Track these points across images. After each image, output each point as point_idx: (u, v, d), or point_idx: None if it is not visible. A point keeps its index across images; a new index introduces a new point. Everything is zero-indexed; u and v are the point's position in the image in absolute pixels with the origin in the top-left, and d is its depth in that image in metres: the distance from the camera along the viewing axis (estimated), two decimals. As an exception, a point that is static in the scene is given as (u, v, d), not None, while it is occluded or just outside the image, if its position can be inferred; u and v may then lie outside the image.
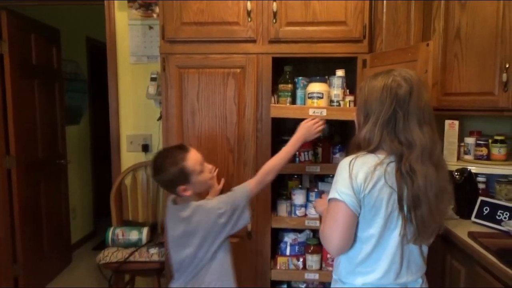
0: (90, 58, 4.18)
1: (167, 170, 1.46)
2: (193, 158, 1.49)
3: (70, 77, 3.79)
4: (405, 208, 1.13)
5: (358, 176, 1.11)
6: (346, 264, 1.22)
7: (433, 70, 1.70)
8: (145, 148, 2.64)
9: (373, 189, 1.11)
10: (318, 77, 1.90)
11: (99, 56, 3.58)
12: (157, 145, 2.63)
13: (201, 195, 1.58)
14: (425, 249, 1.25)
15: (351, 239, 1.17)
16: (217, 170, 1.87)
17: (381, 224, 1.14)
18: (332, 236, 1.15)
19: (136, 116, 2.67)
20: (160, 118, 2.56)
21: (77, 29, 3.84)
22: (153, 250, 2.28)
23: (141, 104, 2.64)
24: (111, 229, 2.37)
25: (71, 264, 3.48)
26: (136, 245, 2.32)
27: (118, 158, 2.67)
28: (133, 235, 2.34)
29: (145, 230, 2.35)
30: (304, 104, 1.90)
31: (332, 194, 1.15)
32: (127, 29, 2.60)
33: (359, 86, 1.25)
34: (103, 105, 3.40)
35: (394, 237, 1.15)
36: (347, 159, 1.16)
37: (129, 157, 2.66)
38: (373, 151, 1.15)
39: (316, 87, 1.87)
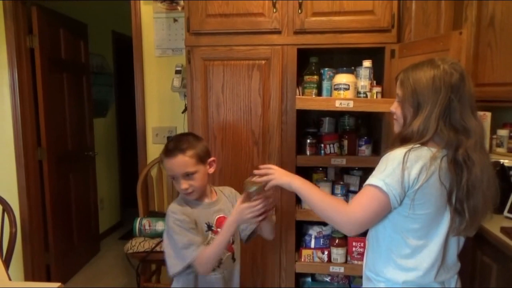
0: (115, 51, 4.25)
1: (201, 141, 1.45)
2: (167, 165, 1.42)
3: (96, 71, 3.87)
4: (453, 200, 1.11)
5: (412, 170, 1.08)
6: (386, 259, 1.19)
7: (465, 60, 1.64)
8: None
9: (425, 184, 1.08)
10: (344, 68, 1.87)
11: (124, 49, 3.65)
12: (182, 137, 2.65)
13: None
14: (461, 243, 1.22)
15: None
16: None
17: (429, 218, 1.13)
18: (359, 220, 1.13)
19: (161, 109, 2.70)
20: (184, 111, 2.59)
21: (103, 23, 3.91)
22: (179, 241, 2.31)
23: (166, 97, 2.67)
24: (138, 219, 2.42)
25: (99, 253, 3.59)
26: (162, 235, 2.35)
27: (144, 150, 2.72)
28: (159, 226, 2.38)
29: (170, 221, 2.39)
30: (330, 96, 1.87)
31: (377, 182, 1.10)
32: (152, 23, 2.62)
33: (400, 79, 1.20)
34: (128, 98, 3.47)
35: (441, 232, 1.14)
36: (401, 150, 1.11)
37: (154, 149, 2.70)
38: (425, 143, 1.12)
39: (342, 78, 1.84)
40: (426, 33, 1.94)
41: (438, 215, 1.13)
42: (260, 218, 1.30)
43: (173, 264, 1.36)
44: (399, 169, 1.08)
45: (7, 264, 1.71)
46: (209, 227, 1.43)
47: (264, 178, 1.26)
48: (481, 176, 1.09)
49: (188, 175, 1.38)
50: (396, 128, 1.27)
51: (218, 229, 1.42)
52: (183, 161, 1.37)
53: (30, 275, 2.79)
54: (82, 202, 3.33)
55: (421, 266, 1.15)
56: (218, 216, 1.46)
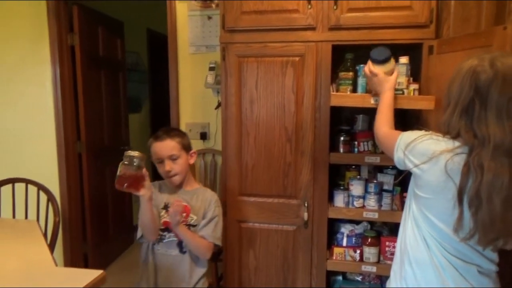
0: (150, 49, 4.35)
1: (186, 135, 1.74)
2: (155, 147, 1.70)
3: (131, 68, 3.98)
4: (464, 201, 1.03)
5: (423, 146, 1.13)
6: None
7: (509, 56, 1.57)
8: (203, 136, 2.72)
9: (429, 171, 1.09)
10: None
11: (158, 47, 3.73)
12: (214, 133, 2.70)
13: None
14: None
15: None
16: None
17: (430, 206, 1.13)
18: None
19: (195, 105, 2.75)
20: (217, 107, 2.63)
21: (138, 21, 4.01)
22: (211, 235, 2.35)
23: (199, 93, 2.72)
24: (171, 213, 2.47)
25: (133, 244, 3.70)
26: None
27: (178, 146, 2.77)
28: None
29: (203, 215, 2.43)
30: (365, 93, 1.85)
31: (400, 133, 1.27)
32: (186, 20, 2.67)
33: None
34: (162, 94, 3.55)
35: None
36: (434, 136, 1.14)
37: (187, 145, 2.75)
38: (454, 138, 1.09)
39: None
40: (466, 28, 1.87)
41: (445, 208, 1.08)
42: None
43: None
44: (423, 137, 1.14)
45: (51, 251, 1.80)
46: (165, 207, 1.65)
47: None
48: (490, 187, 0.98)
49: (172, 159, 1.62)
50: None
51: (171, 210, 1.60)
52: (170, 144, 1.63)
53: (69, 263, 2.92)
54: (117, 194, 3.45)
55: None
56: (179, 199, 1.60)
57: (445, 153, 1.06)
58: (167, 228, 1.65)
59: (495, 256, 1.16)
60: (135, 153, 1.44)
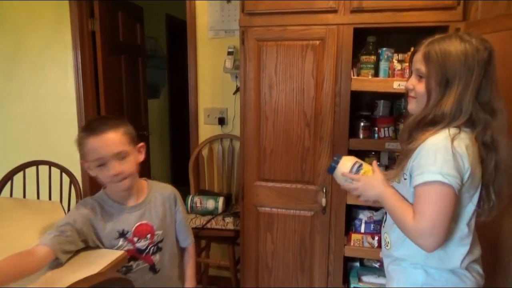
0: (168, 34, 4.36)
1: (128, 123, 1.29)
2: (92, 145, 1.20)
3: (150, 54, 4.00)
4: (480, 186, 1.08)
5: (463, 155, 1.01)
6: None
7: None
8: (221, 121, 2.72)
9: (474, 166, 1.04)
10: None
11: (177, 32, 3.73)
12: (232, 118, 2.70)
13: (119, 193, 1.32)
14: None
15: None
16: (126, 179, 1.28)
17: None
18: (434, 233, 0.99)
19: (213, 90, 2.75)
20: (236, 92, 2.62)
21: (157, 7, 4.01)
22: (229, 219, 2.38)
23: (217, 78, 2.71)
24: (190, 197, 2.50)
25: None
26: (213, 213, 2.44)
27: (196, 131, 2.79)
28: (210, 204, 2.45)
29: (221, 200, 2.45)
30: (387, 77, 1.81)
31: (433, 177, 0.99)
32: (206, 4, 2.65)
33: (423, 52, 1.10)
34: (180, 80, 3.56)
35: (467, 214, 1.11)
36: (442, 136, 1.03)
37: (206, 130, 2.76)
38: (460, 124, 1.05)
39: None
40: (496, 10, 1.79)
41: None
42: None
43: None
44: (450, 155, 0.99)
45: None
46: (122, 234, 1.29)
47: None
48: (505, 159, 1.07)
49: (121, 157, 1.21)
50: (416, 107, 1.15)
51: (135, 238, 1.29)
52: (114, 138, 1.19)
53: (90, 245, 3.00)
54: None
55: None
56: (139, 223, 1.31)
57: (474, 143, 1.06)
58: (132, 257, 1.32)
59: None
60: None
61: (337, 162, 1.23)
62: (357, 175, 1.20)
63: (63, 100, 2.93)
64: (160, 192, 1.44)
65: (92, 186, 2.94)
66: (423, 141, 1.04)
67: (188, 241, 1.54)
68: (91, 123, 1.25)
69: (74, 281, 0.88)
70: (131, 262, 1.32)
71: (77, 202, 2.04)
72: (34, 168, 2.32)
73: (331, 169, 1.25)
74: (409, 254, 1.14)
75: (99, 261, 1.18)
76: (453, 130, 1.04)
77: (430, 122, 1.07)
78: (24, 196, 2.28)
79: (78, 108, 2.90)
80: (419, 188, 1.02)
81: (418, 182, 1.02)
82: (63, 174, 2.27)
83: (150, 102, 3.83)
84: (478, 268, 1.16)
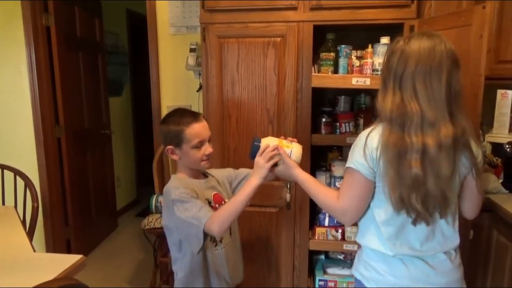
0: (130, 30, 4.24)
1: (168, 124, 1.39)
2: (196, 129, 1.37)
3: (111, 50, 3.88)
4: None
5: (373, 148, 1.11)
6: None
7: (488, 35, 1.59)
8: (185, 119, 2.68)
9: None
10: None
11: (139, 28, 3.64)
12: (196, 116, 2.66)
13: (192, 172, 1.45)
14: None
15: None
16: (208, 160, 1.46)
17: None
18: (348, 210, 1.17)
19: (176, 87, 2.71)
20: (199, 89, 2.59)
21: (117, 2, 3.89)
22: (194, 218, 2.36)
23: (180, 75, 2.67)
24: (154, 196, 2.46)
25: (117, 229, 3.69)
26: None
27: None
28: (175, 203, 2.42)
29: (186, 198, 2.43)
30: (347, 74, 1.85)
31: (348, 164, 1.16)
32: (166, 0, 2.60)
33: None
34: (143, 77, 3.48)
35: None
36: (366, 132, 1.14)
37: (169, 128, 2.71)
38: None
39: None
40: (447, 8, 1.87)
41: None
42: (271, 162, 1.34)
43: (193, 235, 1.28)
44: (362, 146, 1.11)
45: (30, 237, 1.78)
46: (209, 203, 1.41)
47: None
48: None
49: (209, 140, 1.43)
50: None
51: (217, 205, 1.42)
52: (206, 124, 1.43)
53: (51, 249, 2.89)
54: (99, 179, 3.41)
55: None
56: (214, 193, 1.46)
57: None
58: None
59: None
60: None
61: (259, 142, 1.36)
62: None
63: (18, 100, 2.78)
64: (211, 172, 1.56)
65: (51, 187, 2.83)
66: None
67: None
68: (184, 114, 1.40)
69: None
70: None
71: (33, 206, 1.96)
72: (-14, 172, 2.20)
73: (255, 149, 1.36)
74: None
75: (56, 266, 1.15)
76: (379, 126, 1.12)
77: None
78: (-24, 202, 2.16)
79: (33, 108, 2.76)
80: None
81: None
82: (17, 178, 2.16)
83: (112, 99, 3.72)
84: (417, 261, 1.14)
